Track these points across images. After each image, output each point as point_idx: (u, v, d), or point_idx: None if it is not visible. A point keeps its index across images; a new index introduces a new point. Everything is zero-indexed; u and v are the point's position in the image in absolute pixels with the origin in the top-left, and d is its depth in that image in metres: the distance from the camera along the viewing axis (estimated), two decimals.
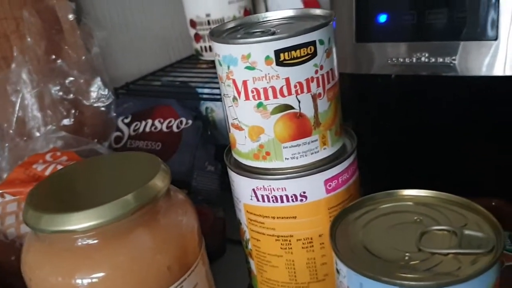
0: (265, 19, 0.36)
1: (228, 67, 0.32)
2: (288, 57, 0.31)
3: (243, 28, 0.35)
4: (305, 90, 0.32)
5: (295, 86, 0.31)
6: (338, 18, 0.48)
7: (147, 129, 0.63)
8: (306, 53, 0.31)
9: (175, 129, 0.62)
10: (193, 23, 0.73)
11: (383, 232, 0.27)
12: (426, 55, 0.44)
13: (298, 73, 0.31)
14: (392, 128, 0.51)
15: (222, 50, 0.32)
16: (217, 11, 0.71)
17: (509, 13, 0.39)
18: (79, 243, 0.28)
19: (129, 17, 0.72)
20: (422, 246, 0.25)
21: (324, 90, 0.32)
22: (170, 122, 0.62)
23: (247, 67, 0.31)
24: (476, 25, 0.41)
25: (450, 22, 0.42)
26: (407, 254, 0.25)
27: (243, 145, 0.34)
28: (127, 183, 0.30)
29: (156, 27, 0.75)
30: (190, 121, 0.62)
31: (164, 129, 0.62)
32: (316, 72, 0.32)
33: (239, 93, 0.32)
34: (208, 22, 0.72)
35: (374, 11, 0.46)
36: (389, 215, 0.28)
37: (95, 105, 0.57)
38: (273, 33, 0.32)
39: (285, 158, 0.33)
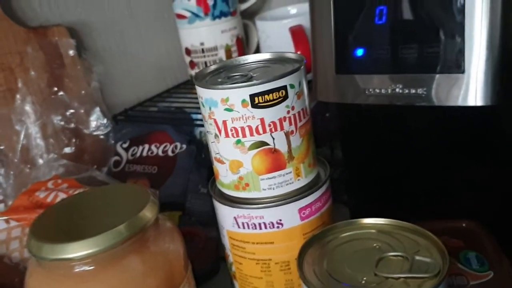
0: (244, 62, 0.40)
1: (210, 108, 0.36)
2: (262, 100, 0.34)
3: (224, 71, 0.39)
4: (278, 128, 0.35)
5: (269, 125, 0.35)
6: (319, 52, 0.51)
7: (144, 154, 0.66)
8: (278, 96, 0.35)
9: (170, 153, 0.65)
10: (188, 51, 0.77)
11: (345, 258, 0.30)
12: (400, 86, 0.47)
13: (272, 114, 0.35)
14: (375, 153, 0.54)
15: (204, 94, 0.36)
16: (210, 40, 0.75)
17: (473, 48, 0.42)
18: (77, 269, 0.32)
19: (127, 47, 0.76)
20: (378, 271, 0.28)
21: (296, 128, 0.36)
22: (165, 146, 0.66)
23: (226, 109, 0.35)
24: (444, 59, 0.44)
25: (421, 56, 0.45)
26: (364, 278, 0.28)
27: (225, 177, 0.37)
28: (119, 214, 0.33)
29: (153, 55, 0.79)
30: (184, 146, 0.65)
31: (160, 153, 0.66)
32: (288, 112, 0.35)
33: (219, 131, 0.36)
34: (202, 50, 0.75)
35: (351, 45, 0.49)
36: (351, 242, 0.31)
37: (95, 133, 0.61)
38: (250, 78, 0.36)
39: (263, 189, 0.36)
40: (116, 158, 0.67)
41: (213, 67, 0.39)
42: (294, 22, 0.69)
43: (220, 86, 0.35)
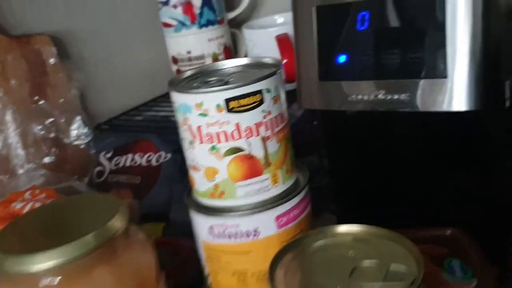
0: (221, 67, 0.39)
1: (184, 114, 0.35)
2: (237, 105, 0.33)
3: (201, 77, 0.38)
4: (254, 133, 0.34)
5: (245, 130, 0.34)
6: (303, 59, 0.51)
7: (128, 164, 0.65)
8: (254, 101, 0.34)
9: (154, 163, 0.64)
10: (175, 60, 0.76)
11: (319, 267, 0.29)
12: (383, 92, 0.46)
13: (247, 119, 0.34)
14: (361, 160, 0.53)
15: (178, 99, 0.35)
16: (197, 48, 0.74)
17: (456, 53, 0.42)
18: (43, 282, 0.30)
19: (113, 55, 0.76)
20: (352, 280, 0.27)
21: (273, 133, 0.35)
22: (149, 156, 0.65)
23: (201, 114, 0.34)
24: (426, 64, 0.43)
25: (403, 62, 0.45)
26: (337, 287, 0.27)
27: (200, 185, 0.36)
28: (88, 224, 0.32)
29: (140, 63, 0.79)
30: (169, 155, 0.64)
31: (144, 163, 0.65)
32: (265, 117, 0.34)
33: (194, 137, 0.35)
34: (189, 59, 0.75)
35: (334, 52, 0.48)
36: (325, 250, 0.30)
37: (75, 143, 0.60)
38: (227, 82, 0.35)
39: (239, 196, 0.35)
40: (99, 168, 0.66)
41: (189, 73, 0.38)
42: (281, 30, 0.69)
43: (194, 91, 0.34)
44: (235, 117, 0.34)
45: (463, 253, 0.42)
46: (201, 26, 0.74)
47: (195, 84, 0.36)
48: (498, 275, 0.42)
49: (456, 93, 0.42)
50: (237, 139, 0.34)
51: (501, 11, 0.43)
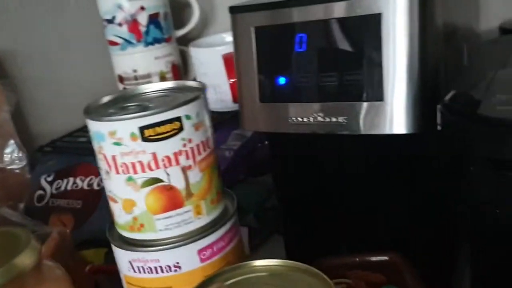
0: (144, 91, 0.37)
1: (98, 143, 0.33)
2: (153, 133, 0.32)
3: (120, 102, 0.36)
4: (173, 163, 0.33)
5: (163, 160, 0.32)
6: (244, 80, 0.50)
7: (69, 187, 0.63)
8: (171, 128, 0.32)
9: (95, 186, 0.62)
10: (121, 79, 0.74)
11: None
12: (322, 115, 0.46)
13: (165, 148, 0.32)
14: (306, 182, 0.52)
15: (92, 126, 0.33)
16: (143, 66, 0.73)
17: (393, 76, 0.41)
18: None
19: (57, 73, 0.73)
20: None
21: (194, 162, 0.33)
22: (91, 179, 0.62)
23: (115, 143, 0.32)
24: (363, 87, 0.43)
25: (340, 85, 0.44)
26: None
27: (119, 217, 0.34)
28: None
29: (85, 82, 0.76)
30: None
31: (85, 187, 0.62)
32: (184, 145, 0.33)
33: (110, 167, 0.33)
34: (135, 78, 0.73)
35: (274, 73, 0.48)
36: (242, 287, 0.29)
37: (9, 167, 0.57)
38: (146, 108, 0.33)
39: (159, 230, 0.33)
40: (40, 192, 0.64)
41: (108, 98, 0.36)
42: (228, 49, 0.67)
43: (106, 118, 0.32)
44: (151, 146, 0.32)
45: (401, 280, 0.42)
46: (147, 44, 0.72)
47: (111, 111, 0.34)
48: None
49: (395, 115, 0.42)
50: (155, 170, 0.32)
51: (439, 32, 0.43)
